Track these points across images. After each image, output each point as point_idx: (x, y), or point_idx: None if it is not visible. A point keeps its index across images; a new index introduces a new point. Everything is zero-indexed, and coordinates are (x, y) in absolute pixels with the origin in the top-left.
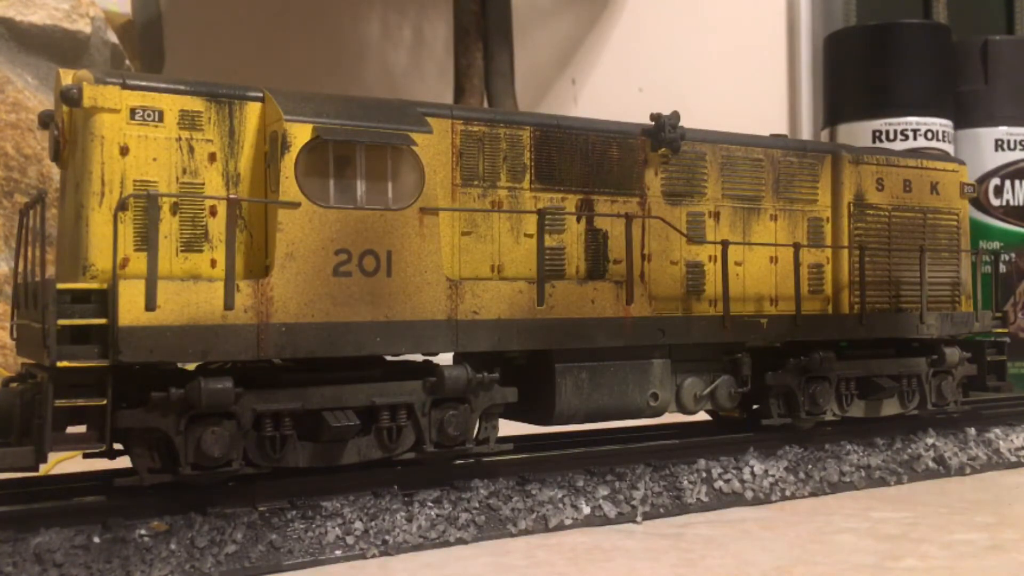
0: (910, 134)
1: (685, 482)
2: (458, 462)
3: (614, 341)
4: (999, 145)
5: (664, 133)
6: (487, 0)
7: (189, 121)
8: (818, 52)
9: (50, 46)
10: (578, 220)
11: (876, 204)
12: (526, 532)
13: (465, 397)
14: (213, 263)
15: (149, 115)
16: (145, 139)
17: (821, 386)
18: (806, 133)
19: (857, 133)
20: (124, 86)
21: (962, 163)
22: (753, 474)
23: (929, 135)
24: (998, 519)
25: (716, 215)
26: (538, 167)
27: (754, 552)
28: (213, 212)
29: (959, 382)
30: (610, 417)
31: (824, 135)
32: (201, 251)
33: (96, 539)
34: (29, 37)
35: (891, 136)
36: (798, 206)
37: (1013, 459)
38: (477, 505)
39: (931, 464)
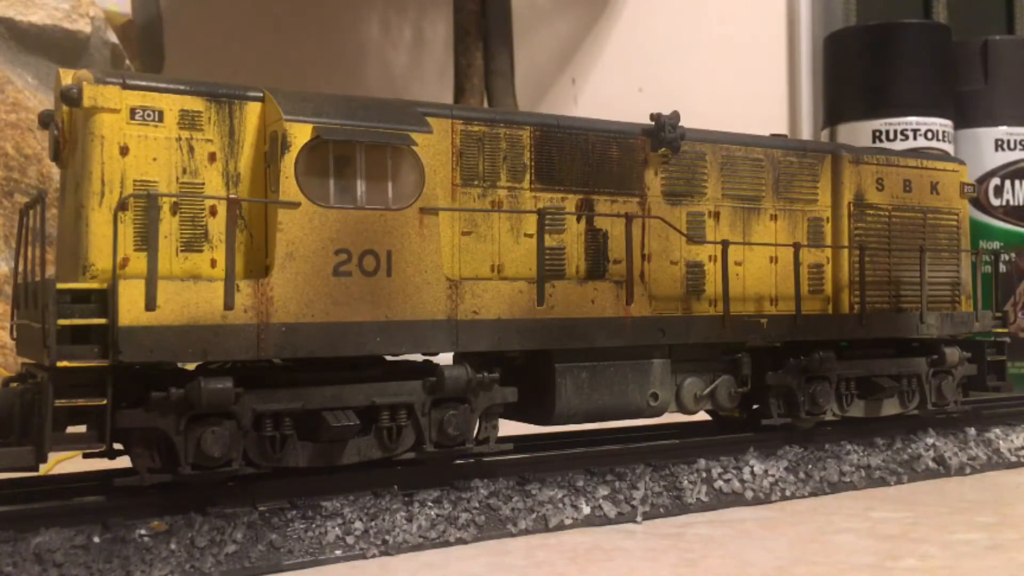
0: (910, 134)
1: (685, 482)
2: (458, 462)
3: (614, 341)
4: (999, 145)
5: (664, 133)
6: (487, 0)
7: (189, 121)
8: (818, 52)
9: (50, 46)
10: (578, 220)
11: (876, 204)
12: (526, 532)
13: (465, 397)
14: (213, 263)
15: (149, 115)
16: (145, 139)
17: (821, 386)
18: (806, 133)
19: (857, 133)
20: (124, 86)
21: (962, 163)
22: (753, 474)
23: (929, 135)
24: (998, 519)
25: (716, 215)
26: (538, 167)
27: (754, 552)
28: (213, 212)
29: (959, 382)
30: (610, 417)
31: (824, 135)
32: (201, 251)
33: (96, 539)
34: (29, 37)
35: (891, 136)
36: (798, 206)
37: (1013, 459)
38: (477, 505)
39: (931, 464)
